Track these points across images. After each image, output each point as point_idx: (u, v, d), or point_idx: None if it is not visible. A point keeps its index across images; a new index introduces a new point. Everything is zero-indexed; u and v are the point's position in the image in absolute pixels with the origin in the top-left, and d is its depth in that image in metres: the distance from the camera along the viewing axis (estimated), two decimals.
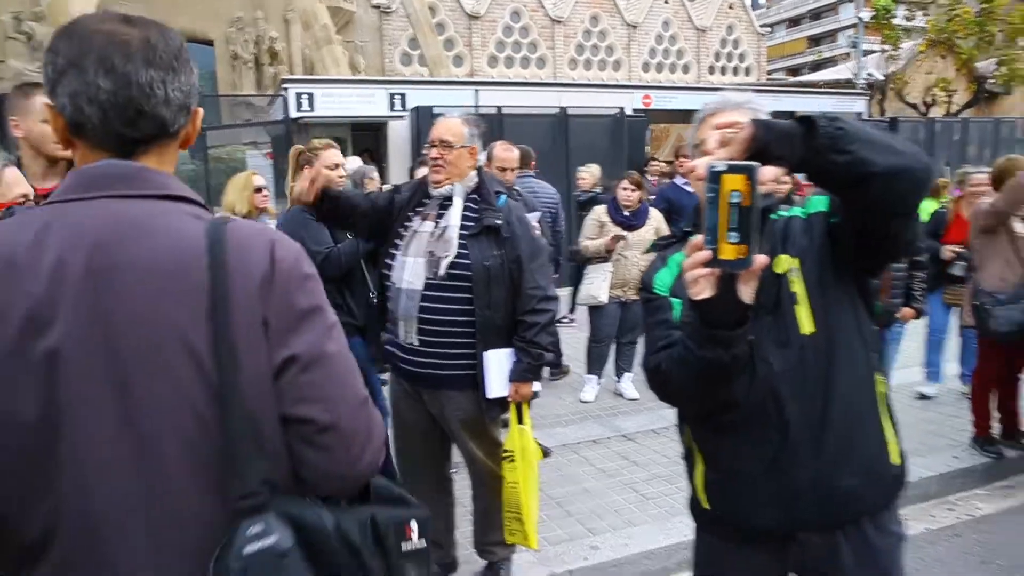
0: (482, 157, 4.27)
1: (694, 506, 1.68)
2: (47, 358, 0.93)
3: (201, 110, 1.14)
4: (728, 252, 1.17)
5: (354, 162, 6.80)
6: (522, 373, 2.68)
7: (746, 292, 1.24)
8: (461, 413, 2.67)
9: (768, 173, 1.29)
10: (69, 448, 0.94)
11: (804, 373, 1.46)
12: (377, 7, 26.95)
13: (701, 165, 1.21)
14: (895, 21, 19.16)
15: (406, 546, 1.07)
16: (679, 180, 6.04)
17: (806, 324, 1.48)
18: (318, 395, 1.02)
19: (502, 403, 2.72)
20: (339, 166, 3.33)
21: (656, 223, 5.25)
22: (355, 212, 2.71)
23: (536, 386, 2.82)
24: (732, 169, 1.15)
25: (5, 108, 2.50)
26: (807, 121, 1.27)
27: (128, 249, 0.97)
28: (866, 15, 19.51)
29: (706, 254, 1.19)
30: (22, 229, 0.97)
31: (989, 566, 3.32)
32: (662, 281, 1.57)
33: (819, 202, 1.58)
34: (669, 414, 5.00)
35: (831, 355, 1.48)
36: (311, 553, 0.96)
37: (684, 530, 3.43)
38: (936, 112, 18.68)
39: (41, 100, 2.48)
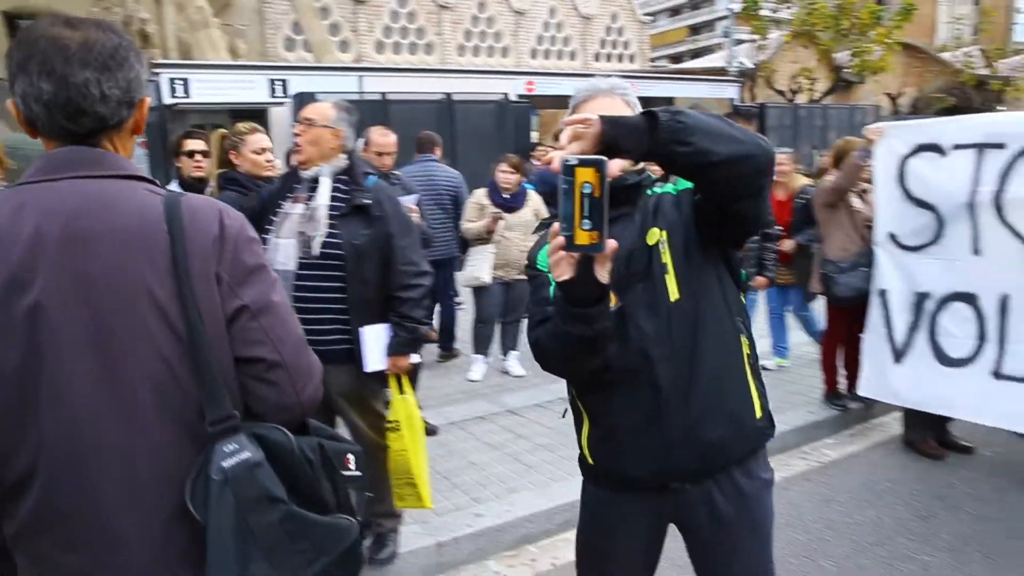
0: (361, 143, 4.32)
1: (582, 461, 1.82)
2: (29, 312, 1.07)
3: (149, 99, 1.27)
4: (583, 238, 1.28)
5: None
6: (398, 347, 2.78)
7: (602, 273, 1.37)
8: (341, 387, 2.73)
9: (615, 166, 1.40)
10: (51, 389, 1.08)
11: (672, 336, 1.60)
12: None
13: (556, 159, 1.32)
14: (763, 13, 20.29)
15: (345, 472, 1.28)
16: None
17: (674, 291, 1.61)
18: (267, 338, 1.21)
19: (381, 376, 2.80)
20: (266, 151, 3.27)
21: (535, 205, 5.42)
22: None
23: (415, 357, 2.92)
24: (583, 163, 1.26)
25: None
26: (651, 116, 1.37)
27: (99, 219, 1.13)
28: (737, 6, 20.58)
29: (562, 240, 1.30)
30: (17, 208, 1.11)
31: (831, 503, 3.71)
32: (543, 258, 1.66)
33: None
34: (555, 388, 5.26)
35: (697, 320, 1.62)
36: (277, 467, 1.15)
37: (564, 494, 3.64)
38: (801, 99, 19.98)
39: None
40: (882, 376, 3.88)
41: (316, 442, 1.25)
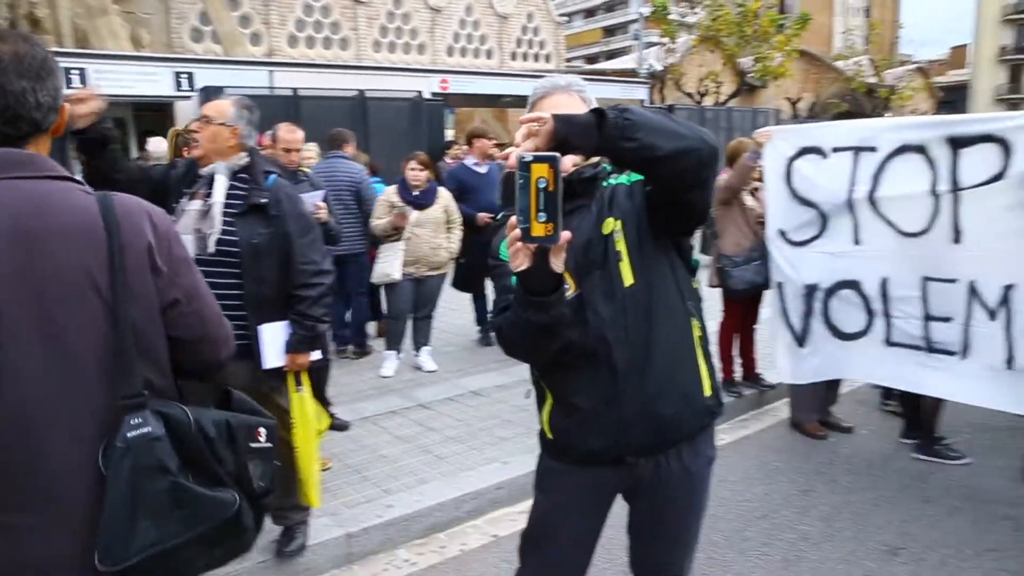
0: (267, 139, 4.30)
1: (541, 437, 1.91)
2: None
3: (68, 105, 1.40)
4: (538, 230, 1.36)
5: (159, 144, 6.43)
6: (297, 344, 2.81)
7: (557, 263, 1.46)
8: (241, 382, 2.73)
9: (568, 161, 1.53)
10: (8, 365, 1.22)
11: (627, 320, 1.70)
12: None
13: (513, 155, 1.41)
14: (671, 17, 20.99)
15: (254, 444, 1.47)
16: (468, 161, 6.37)
17: (628, 278, 1.71)
18: (197, 320, 1.45)
19: (280, 373, 2.83)
20: None
21: (445, 202, 5.50)
22: (123, 170, 2.66)
23: (315, 355, 2.95)
24: (537, 159, 1.35)
25: None
26: (599, 113, 1.45)
27: (43, 218, 1.26)
28: (647, 10, 21.21)
29: (519, 232, 1.38)
30: None
31: (724, 483, 3.96)
32: (504, 249, 1.70)
33: None
34: (466, 382, 5.35)
35: (650, 304, 1.72)
36: (176, 441, 1.32)
37: (473, 483, 3.75)
38: (708, 101, 20.79)
39: None
40: (795, 360, 4.17)
41: (224, 418, 1.42)
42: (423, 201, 5.32)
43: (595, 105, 1.61)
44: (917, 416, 4.28)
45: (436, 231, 5.41)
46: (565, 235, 1.40)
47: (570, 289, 1.62)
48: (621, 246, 1.72)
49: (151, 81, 11.16)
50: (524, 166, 1.35)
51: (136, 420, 1.29)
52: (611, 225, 1.74)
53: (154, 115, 12.51)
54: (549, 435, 1.87)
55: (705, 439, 1.87)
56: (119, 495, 1.26)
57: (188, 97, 10.98)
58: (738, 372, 5.25)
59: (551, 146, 1.41)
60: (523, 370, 1.97)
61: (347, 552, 3.27)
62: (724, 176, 5.01)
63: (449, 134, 13.10)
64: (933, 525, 3.46)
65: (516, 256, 1.44)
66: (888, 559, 3.19)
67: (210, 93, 9.86)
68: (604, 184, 1.81)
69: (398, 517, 3.44)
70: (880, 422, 4.75)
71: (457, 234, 5.57)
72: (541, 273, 1.46)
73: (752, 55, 20.64)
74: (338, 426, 4.28)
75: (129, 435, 1.28)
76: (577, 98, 1.83)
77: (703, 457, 1.87)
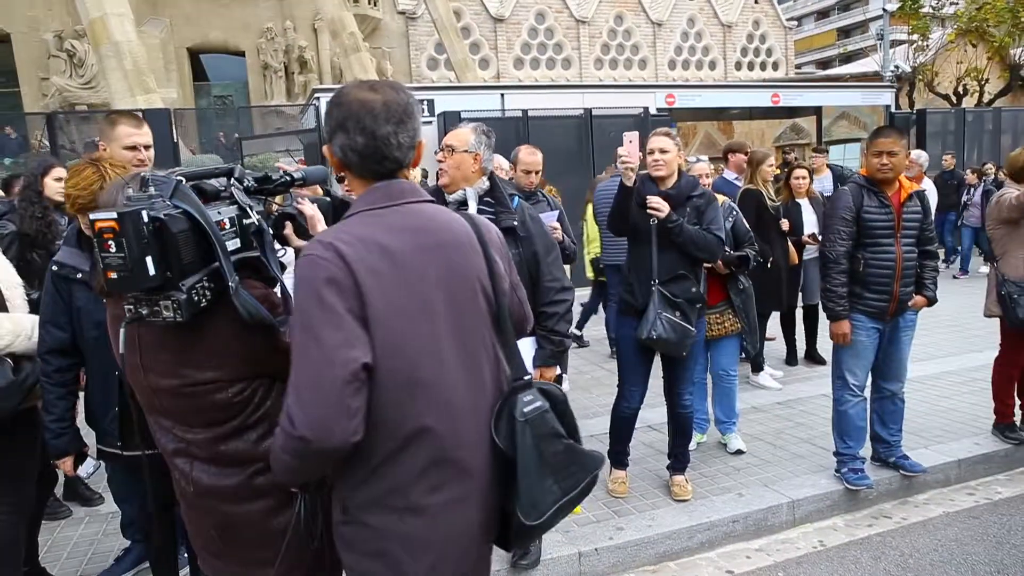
0: (506, 162, 4.50)
1: None
2: (426, 304, 1.46)
3: (424, 141, 1.59)
4: None
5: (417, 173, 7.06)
6: (546, 359, 2.90)
7: None
8: None
9: None
10: (444, 356, 1.47)
11: None
12: (403, 13, 27.31)
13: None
14: (923, 11, 18.88)
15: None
16: (728, 175, 6.25)
17: None
18: (522, 303, 1.76)
19: None
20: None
21: None
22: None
23: (558, 370, 3.02)
24: None
25: (54, 123, 2.89)
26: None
27: (439, 233, 1.52)
28: (893, 6, 19.28)
29: None
30: (389, 229, 1.47)
31: (1003, 545, 3.42)
32: None
33: None
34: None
35: None
36: (556, 411, 1.58)
37: (706, 513, 3.59)
38: (968, 102, 18.39)
39: (123, 129, 2.84)
40: None
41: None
42: None
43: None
44: None
45: None
46: None
47: None
48: None
49: None
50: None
51: (528, 397, 1.54)
52: None
53: None
54: None
55: None
56: (530, 460, 1.50)
57: (429, 122, 11.88)
58: (1018, 415, 4.54)
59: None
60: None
61: (579, 571, 3.29)
62: (1013, 189, 4.38)
63: None
64: None
65: None
66: None
67: (448, 118, 10.60)
68: None
69: (629, 541, 3.40)
70: None
71: None
72: None
73: None
74: None
75: (525, 410, 1.52)
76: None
77: None
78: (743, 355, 6.42)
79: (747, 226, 4.46)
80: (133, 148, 2.84)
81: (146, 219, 1.42)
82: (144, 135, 2.89)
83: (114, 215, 1.41)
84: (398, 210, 1.50)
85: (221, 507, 1.68)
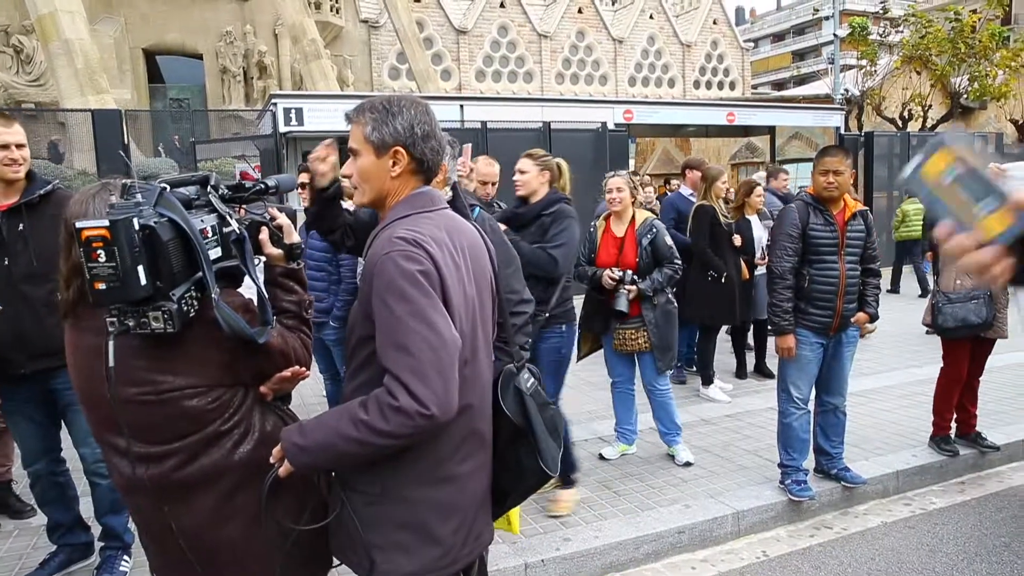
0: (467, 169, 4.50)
1: None
2: (468, 297, 1.68)
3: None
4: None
5: None
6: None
7: None
8: None
9: None
10: (480, 340, 1.75)
11: None
12: (365, 22, 27.22)
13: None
14: (872, 37, 19.53)
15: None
16: (684, 191, 6.49)
17: None
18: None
19: None
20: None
21: None
22: (344, 223, 2.85)
23: None
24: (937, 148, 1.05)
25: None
26: None
27: (463, 236, 1.72)
28: (844, 31, 19.91)
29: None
30: (444, 230, 1.67)
31: (936, 553, 3.53)
32: None
33: None
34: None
35: None
36: (540, 385, 1.97)
37: (652, 524, 3.63)
38: (913, 126, 19.06)
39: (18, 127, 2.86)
40: None
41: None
42: None
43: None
44: None
45: None
46: None
47: None
48: None
49: None
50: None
51: (526, 375, 1.90)
52: None
53: None
54: None
55: None
56: (541, 425, 1.84)
57: None
58: (954, 428, 4.69)
59: None
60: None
61: None
62: None
63: (631, 164, 13.06)
64: None
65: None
66: None
67: None
68: None
69: (575, 552, 3.41)
70: None
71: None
72: None
73: (967, 74, 18.65)
74: None
75: (527, 385, 1.88)
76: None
77: None
78: (692, 367, 6.55)
79: (669, 243, 4.36)
80: (4, 147, 2.84)
81: (137, 227, 1.37)
82: (14, 134, 2.89)
83: (105, 223, 1.35)
84: (443, 214, 1.71)
85: (205, 536, 1.66)
